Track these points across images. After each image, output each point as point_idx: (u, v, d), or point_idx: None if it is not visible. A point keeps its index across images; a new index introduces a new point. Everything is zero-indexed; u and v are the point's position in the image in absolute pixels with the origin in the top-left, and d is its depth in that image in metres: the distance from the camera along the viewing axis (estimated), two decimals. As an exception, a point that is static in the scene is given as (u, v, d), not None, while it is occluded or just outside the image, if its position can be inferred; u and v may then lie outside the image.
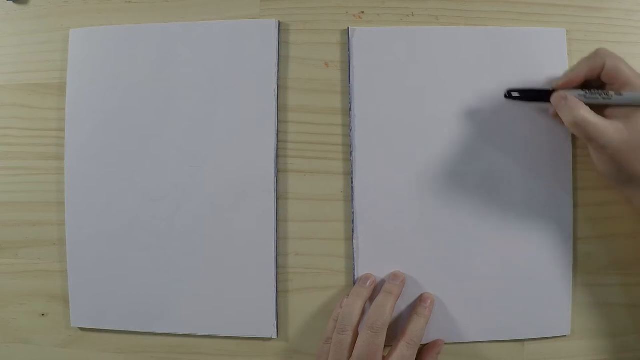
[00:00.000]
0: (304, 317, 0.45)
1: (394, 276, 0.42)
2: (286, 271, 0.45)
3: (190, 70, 0.45)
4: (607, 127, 0.36)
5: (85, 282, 0.46)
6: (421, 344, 0.42)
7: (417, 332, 0.40)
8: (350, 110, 0.44)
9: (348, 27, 0.45)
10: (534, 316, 0.43)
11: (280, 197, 0.45)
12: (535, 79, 0.43)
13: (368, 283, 0.42)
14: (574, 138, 0.43)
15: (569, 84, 0.39)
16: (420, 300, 0.43)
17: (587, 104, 0.38)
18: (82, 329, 0.46)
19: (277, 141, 0.45)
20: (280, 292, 0.45)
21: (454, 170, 0.43)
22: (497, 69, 0.43)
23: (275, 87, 0.45)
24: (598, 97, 0.37)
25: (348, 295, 0.42)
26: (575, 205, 0.44)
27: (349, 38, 0.44)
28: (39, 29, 0.48)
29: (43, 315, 0.47)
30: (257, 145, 0.45)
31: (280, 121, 0.45)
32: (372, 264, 0.44)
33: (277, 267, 0.44)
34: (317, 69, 0.45)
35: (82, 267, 0.46)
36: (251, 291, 0.44)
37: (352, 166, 0.44)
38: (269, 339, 0.45)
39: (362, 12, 0.45)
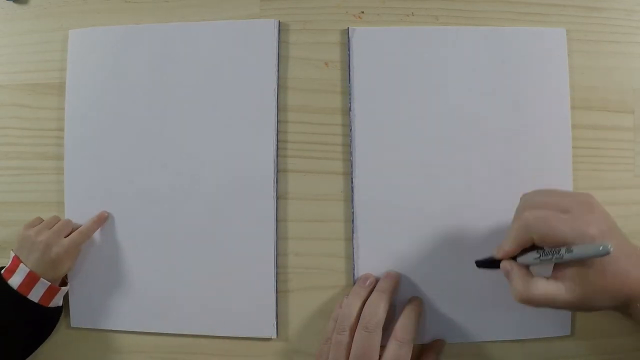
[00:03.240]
0: (304, 317, 0.45)
1: (387, 275, 0.42)
2: (286, 271, 0.45)
3: (190, 70, 0.45)
4: (558, 292, 0.34)
5: (85, 282, 0.46)
6: (421, 344, 0.42)
7: (406, 328, 0.39)
8: (350, 110, 0.44)
9: (348, 27, 0.45)
10: (534, 316, 0.43)
11: (280, 197, 0.45)
12: (536, 79, 0.44)
13: (368, 283, 0.42)
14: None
15: (506, 255, 0.37)
16: (408, 300, 0.43)
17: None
18: (82, 329, 0.46)
19: (277, 141, 0.45)
20: (280, 292, 0.45)
21: (454, 170, 0.43)
22: (497, 68, 0.43)
23: (275, 87, 0.45)
24: (551, 257, 0.35)
25: (348, 295, 0.42)
26: (575, 205, 0.43)
27: (349, 38, 0.44)
28: (39, 29, 0.48)
29: (43, 315, 0.47)
30: (257, 145, 0.45)
31: (280, 121, 0.45)
32: (372, 264, 0.44)
33: (277, 267, 0.44)
34: (317, 69, 0.45)
35: (82, 267, 0.46)
36: (251, 291, 0.44)
37: (352, 166, 0.44)
38: (269, 339, 0.45)
39: (362, 12, 0.45)
